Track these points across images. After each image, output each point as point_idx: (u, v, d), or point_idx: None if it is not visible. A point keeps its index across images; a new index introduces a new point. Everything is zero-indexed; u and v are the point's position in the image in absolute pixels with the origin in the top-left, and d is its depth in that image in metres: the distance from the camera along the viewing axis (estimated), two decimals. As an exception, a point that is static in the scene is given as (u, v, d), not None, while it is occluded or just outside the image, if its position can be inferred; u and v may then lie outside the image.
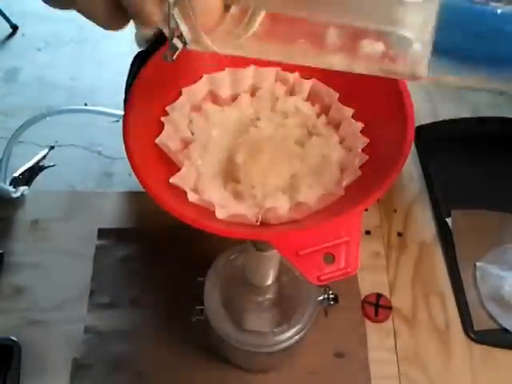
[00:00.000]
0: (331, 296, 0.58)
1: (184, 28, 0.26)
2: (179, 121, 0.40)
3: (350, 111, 0.41)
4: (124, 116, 0.38)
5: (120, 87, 0.61)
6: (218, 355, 0.60)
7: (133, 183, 0.39)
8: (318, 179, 0.38)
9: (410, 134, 0.36)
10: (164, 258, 0.67)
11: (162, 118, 0.40)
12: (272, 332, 0.53)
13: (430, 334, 0.63)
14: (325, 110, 0.42)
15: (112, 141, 1.06)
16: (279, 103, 0.42)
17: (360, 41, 0.27)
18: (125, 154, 0.36)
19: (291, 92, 0.43)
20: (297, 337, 0.52)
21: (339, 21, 0.27)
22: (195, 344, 0.61)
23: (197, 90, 0.42)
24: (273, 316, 0.56)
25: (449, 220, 0.69)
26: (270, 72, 0.43)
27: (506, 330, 0.62)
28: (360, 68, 0.29)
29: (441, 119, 0.77)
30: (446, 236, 0.69)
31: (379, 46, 0.27)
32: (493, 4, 0.25)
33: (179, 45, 0.27)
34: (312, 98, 0.43)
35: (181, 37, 0.27)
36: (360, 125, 0.40)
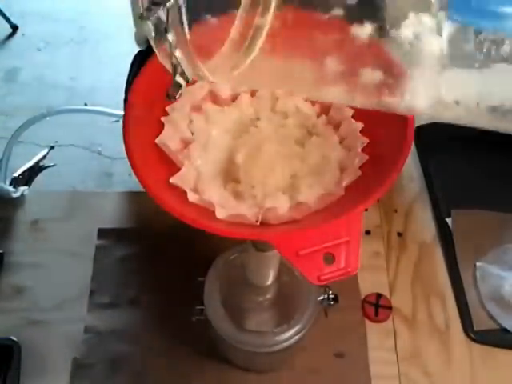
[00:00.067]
0: (331, 296, 0.58)
1: (186, 66, 0.26)
2: (179, 121, 0.40)
3: (349, 111, 0.41)
4: (124, 116, 0.38)
5: (120, 87, 0.61)
6: (218, 355, 0.60)
7: (133, 183, 0.39)
8: (318, 179, 0.39)
9: (410, 134, 0.36)
10: (164, 257, 0.67)
11: (162, 118, 0.40)
12: (272, 332, 0.53)
13: (430, 334, 0.63)
14: (325, 110, 0.42)
15: (112, 141, 1.06)
16: (279, 103, 0.42)
17: (359, 69, 0.27)
18: (125, 154, 0.36)
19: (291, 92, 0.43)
20: (297, 337, 0.52)
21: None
22: (195, 344, 0.61)
23: (197, 90, 0.42)
24: (273, 316, 0.56)
25: (449, 220, 0.69)
26: (270, 72, 0.43)
27: (506, 330, 0.62)
28: (359, 100, 0.29)
29: (441, 119, 0.77)
30: (445, 236, 0.69)
31: (378, 75, 0.27)
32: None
33: (182, 82, 0.27)
34: (312, 98, 0.43)
35: (183, 74, 0.27)
36: (360, 125, 0.40)
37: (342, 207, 0.36)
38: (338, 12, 0.25)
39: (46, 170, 0.77)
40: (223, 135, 0.41)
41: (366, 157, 0.38)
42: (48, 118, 0.76)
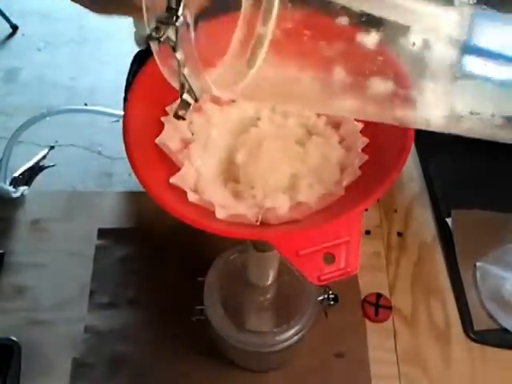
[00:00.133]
0: (331, 296, 0.58)
1: (194, 83, 0.25)
2: (179, 121, 0.40)
3: (350, 111, 0.41)
4: (124, 116, 0.38)
5: (120, 87, 0.61)
6: (218, 355, 0.59)
7: (133, 183, 0.39)
8: (318, 179, 0.39)
9: (410, 134, 0.36)
10: (164, 257, 0.67)
11: (162, 118, 0.40)
12: (272, 332, 0.53)
13: (430, 334, 0.63)
14: (325, 110, 0.42)
15: (112, 141, 1.06)
16: (279, 103, 0.42)
17: (368, 80, 0.26)
18: (125, 154, 0.36)
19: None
20: (297, 337, 0.52)
21: None
22: (195, 344, 0.61)
23: (197, 90, 0.42)
24: (273, 316, 0.56)
25: (449, 220, 0.69)
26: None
27: (506, 330, 0.62)
28: (372, 113, 0.28)
29: (441, 119, 0.77)
30: (445, 236, 0.69)
31: (388, 85, 0.26)
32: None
33: (191, 100, 0.26)
34: (312, 97, 0.43)
35: (190, 92, 0.26)
36: (360, 125, 0.40)
37: (342, 207, 0.36)
38: (344, 20, 0.25)
39: (46, 170, 0.77)
40: (223, 135, 0.41)
41: (366, 157, 0.38)
42: (48, 118, 0.76)
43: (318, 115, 0.42)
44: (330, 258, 0.34)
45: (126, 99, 0.49)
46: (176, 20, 0.23)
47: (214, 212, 0.36)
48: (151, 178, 0.36)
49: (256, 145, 0.40)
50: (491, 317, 0.63)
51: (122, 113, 0.40)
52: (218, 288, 0.54)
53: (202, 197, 0.37)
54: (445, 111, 0.26)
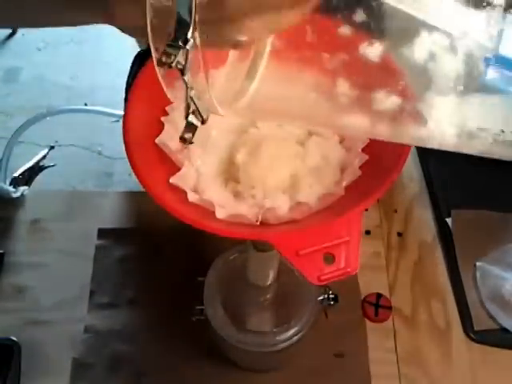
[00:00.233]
0: (331, 296, 0.58)
1: (201, 105, 0.25)
2: (179, 121, 0.40)
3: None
4: (124, 116, 0.38)
5: (120, 87, 0.61)
6: (218, 355, 0.59)
7: (133, 183, 0.39)
8: (318, 179, 0.38)
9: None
10: (164, 257, 0.67)
11: (162, 118, 0.40)
12: (272, 332, 0.53)
13: (430, 334, 0.63)
14: (325, 110, 0.42)
15: (112, 141, 1.06)
16: (279, 103, 0.42)
17: (373, 93, 0.25)
18: (125, 154, 0.36)
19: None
20: (297, 337, 0.52)
21: None
22: (195, 344, 0.61)
23: (197, 90, 0.42)
24: (273, 316, 0.56)
25: (449, 220, 0.69)
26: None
27: (506, 330, 0.62)
28: (381, 130, 0.26)
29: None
30: (445, 236, 0.69)
31: (395, 100, 0.25)
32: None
33: (196, 122, 0.26)
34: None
35: (197, 114, 0.25)
36: (360, 125, 0.40)
37: (342, 207, 0.36)
38: (346, 30, 0.24)
39: (46, 170, 0.77)
40: (223, 135, 0.41)
41: (366, 157, 0.38)
42: (48, 118, 0.76)
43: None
44: (330, 258, 0.34)
45: (126, 100, 0.49)
46: (186, 43, 0.22)
47: (213, 212, 0.36)
48: (151, 177, 0.36)
49: (256, 145, 0.40)
50: (491, 317, 0.63)
51: (122, 113, 0.40)
52: (218, 288, 0.54)
53: (202, 197, 0.37)
54: (456, 127, 0.25)
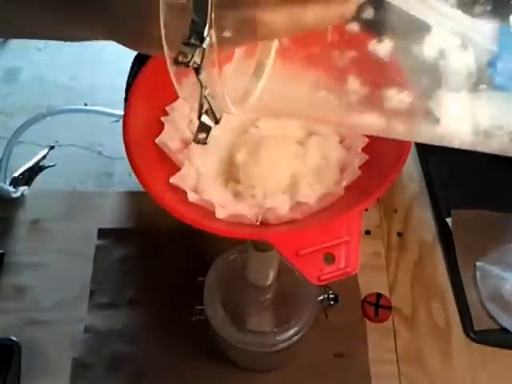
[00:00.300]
0: (331, 296, 0.58)
1: (215, 105, 0.24)
2: (179, 121, 0.40)
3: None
4: (124, 116, 0.38)
5: (120, 87, 0.61)
6: (218, 355, 0.59)
7: (133, 183, 0.39)
8: (318, 179, 0.39)
9: (410, 134, 0.36)
10: (164, 257, 0.67)
11: (162, 118, 0.40)
12: (272, 332, 0.53)
13: (430, 334, 0.63)
14: (325, 110, 0.42)
15: (112, 141, 1.06)
16: (279, 103, 0.42)
17: (384, 91, 0.24)
18: (125, 154, 0.36)
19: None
20: (297, 337, 0.52)
21: None
22: (195, 344, 0.61)
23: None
24: (273, 316, 0.56)
25: (449, 220, 0.69)
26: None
27: (506, 330, 0.62)
28: (395, 127, 0.26)
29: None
30: (445, 236, 0.69)
31: (406, 96, 0.24)
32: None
33: (209, 123, 0.25)
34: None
35: (210, 113, 0.24)
36: (360, 125, 0.40)
37: (342, 207, 0.36)
38: (354, 27, 0.23)
39: (46, 170, 0.77)
40: (223, 135, 0.41)
41: (366, 157, 0.38)
42: (48, 118, 0.76)
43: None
44: (330, 258, 0.34)
45: (126, 100, 0.49)
46: (202, 41, 0.22)
47: (214, 212, 0.36)
48: (151, 177, 0.36)
49: (256, 145, 0.40)
50: (491, 317, 0.63)
51: (122, 113, 0.40)
52: (218, 288, 0.54)
53: (202, 197, 0.37)
54: (471, 127, 0.25)
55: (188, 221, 0.33)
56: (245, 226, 0.36)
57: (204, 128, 0.25)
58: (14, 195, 0.70)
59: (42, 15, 0.30)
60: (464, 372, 0.61)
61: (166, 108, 0.41)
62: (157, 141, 0.39)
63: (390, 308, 0.64)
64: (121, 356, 0.60)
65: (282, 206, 0.37)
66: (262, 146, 0.39)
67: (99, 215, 0.70)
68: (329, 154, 0.40)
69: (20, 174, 0.73)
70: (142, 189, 0.35)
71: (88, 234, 0.68)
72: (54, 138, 1.13)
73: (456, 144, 0.26)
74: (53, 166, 0.79)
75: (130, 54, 0.60)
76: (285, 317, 0.54)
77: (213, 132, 0.41)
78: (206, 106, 0.24)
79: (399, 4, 0.22)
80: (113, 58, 1.24)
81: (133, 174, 0.35)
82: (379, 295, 0.64)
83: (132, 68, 0.61)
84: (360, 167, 0.38)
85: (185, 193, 0.37)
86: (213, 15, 0.21)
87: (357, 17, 0.23)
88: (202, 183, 0.38)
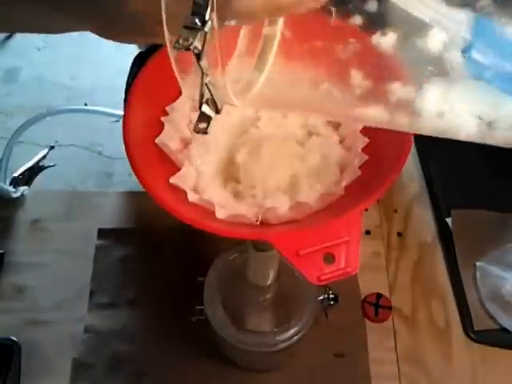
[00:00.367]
0: (331, 296, 0.58)
1: (217, 94, 0.23)
2: (179, 121, 0.40)
3: (349, 111, 0.41)
4: (124, 116, 0.38)
5: (120, 87, 0.61)
6: (218, 355, 0.59)
7: (133, 183, 0.39)
8: (318, 179, 0.39)
9: (409, 134, 0.36)
10: (164, 258, 0.67)
11: (162, 118, 0.40)
12: (272, 332, 0.53)
13: (430, 334, 0.63)
14: (325, 110, 0.42)
15: (112, 141, 1.06)
16: (279, 103, 0.42)
17: (387, 84, 0.24)
18: (125, 154, 0.36)
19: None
20: (297, 337, 0.52)
21: None
22: (195, 344, 0.61)
23: (197, 90, 0.42)
24: (273, 316, 0.56)
25: (449, 220, 0.69)
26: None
27: (505, 330, 0.62)
28: (399, 120, 0.26)
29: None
30: (445, 236, 0.69)
31: (405, 89, 0.24)
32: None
33: (210, 112, 0.24)
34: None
35: (211, 103, 0.24)
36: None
37: (342, 207, 0.36)
38: (357, 20, 0.23)
39: (46, 170, 0.77)
40: (223, 135, 0.41)
41: (366, 157, 0.38)
42: (48, 118, 0.76)
43: (318, 115, 0.42)
44: (330, 258, 0.34)
45: (126, 100, 0.49)
46: (204, 24, 0.21)
47: (214, 212, 0.36)
48: (151, 177, 0.36)
49: (256, 145, 0.40)
50: (491, 317, 0.63)
51: (122, 113, 0.40)
52: (218, 288, 0.54)
53: (202, 197, 0.37)
54: (475, 118, 0.25)
55: (188, 221, 0.33)
56: (245, 225, 0.36)
57: (205, 118, 0.25)
58: (14, 195, 0.70)
59: (27, 7, 0.30)
60: (464, 372, 0.60)
61: (166, 108, 0.41)
62: (157, 141, 0.39)
63: (389, 308, 0.64)
64: (121, 356, 0.60)
65: (281, 205, 0.37)
66: (263, 146, 0.39)
67: (99, 215, 0.70)
68: (329, 154, 0.40)
69: (20, 174, 0.73)
70: (141, 189, 0.35)
71: (88, 234, 0.68)
72: (53, 138, 1.13)
73: (462, 136, 0.26)
74: (53, 166, 0.79)
75: (130, 54, 0.60)
76: (285, 317, 0.54)
77: (213, 132, 0.42)
78: (206, 96, 0.24)
79: None
80: (113, 58, 1.24)
81: (133, 174, 0.35)
82: (379, 295, 0.64)
83: (132, 68, 0.61)
84: (360, 167, 0.38)
85: (185, 193, 0.37)
86: None
87: (360, 10, 0.23)
88: (202, 183, 0.38)
